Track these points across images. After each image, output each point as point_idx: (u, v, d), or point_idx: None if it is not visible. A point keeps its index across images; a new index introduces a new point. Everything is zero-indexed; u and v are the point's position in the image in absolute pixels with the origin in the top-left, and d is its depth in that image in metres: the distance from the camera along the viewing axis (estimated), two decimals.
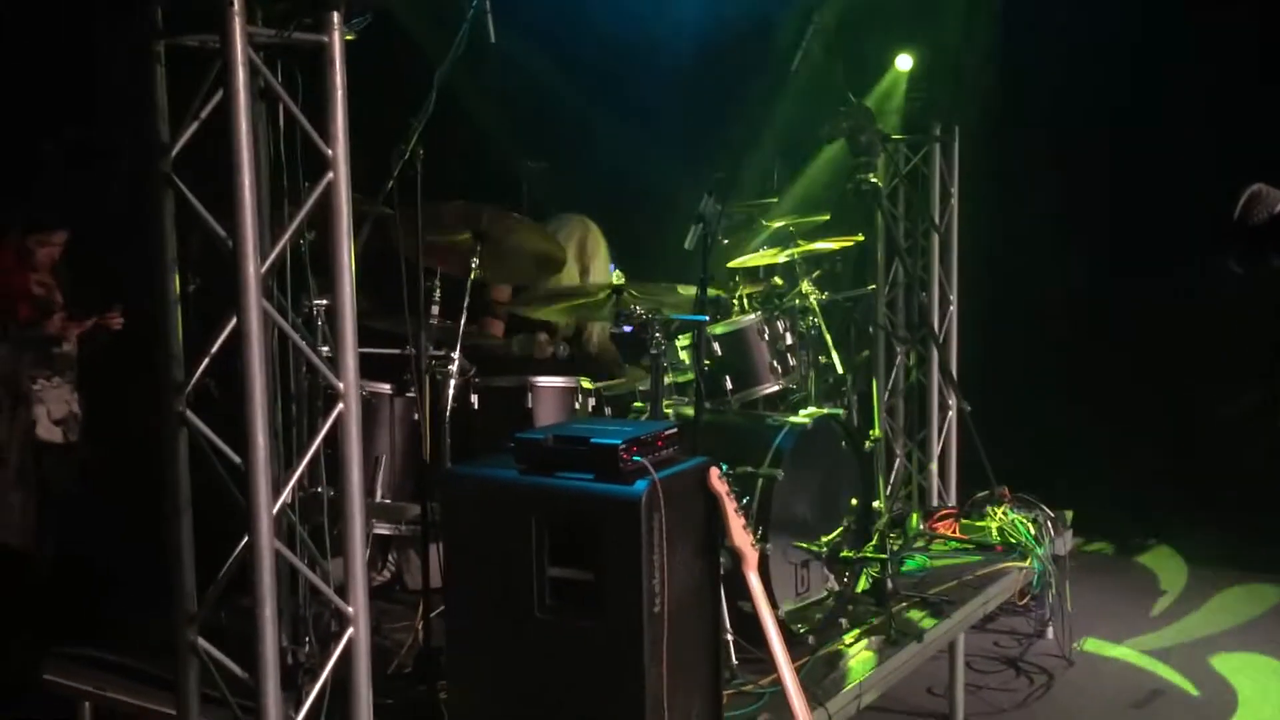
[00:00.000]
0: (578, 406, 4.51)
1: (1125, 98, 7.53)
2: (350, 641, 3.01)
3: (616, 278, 4.63)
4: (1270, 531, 7.20)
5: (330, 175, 2.95)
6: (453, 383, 4.19)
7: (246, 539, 2.85)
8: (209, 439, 2.99)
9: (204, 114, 2.92)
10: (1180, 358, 7.64)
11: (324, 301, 3.86)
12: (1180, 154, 7.18)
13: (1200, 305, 6.94)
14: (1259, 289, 7.33)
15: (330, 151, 2.95)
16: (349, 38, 2.99)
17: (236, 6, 2.74)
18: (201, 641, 3.07)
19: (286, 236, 2.98)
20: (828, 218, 5.80)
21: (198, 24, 2.98)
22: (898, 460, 7.08)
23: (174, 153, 2.97)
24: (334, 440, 3.03)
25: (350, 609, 3.02)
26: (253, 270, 2.81)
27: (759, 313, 5.01)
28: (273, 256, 2.93)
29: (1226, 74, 7.04)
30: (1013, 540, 5.39)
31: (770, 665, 3.47)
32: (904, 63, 6.84)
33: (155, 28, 3.00)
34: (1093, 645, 5.80)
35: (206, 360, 2.99)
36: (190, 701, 3.16)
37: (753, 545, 3.51)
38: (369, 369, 3.95)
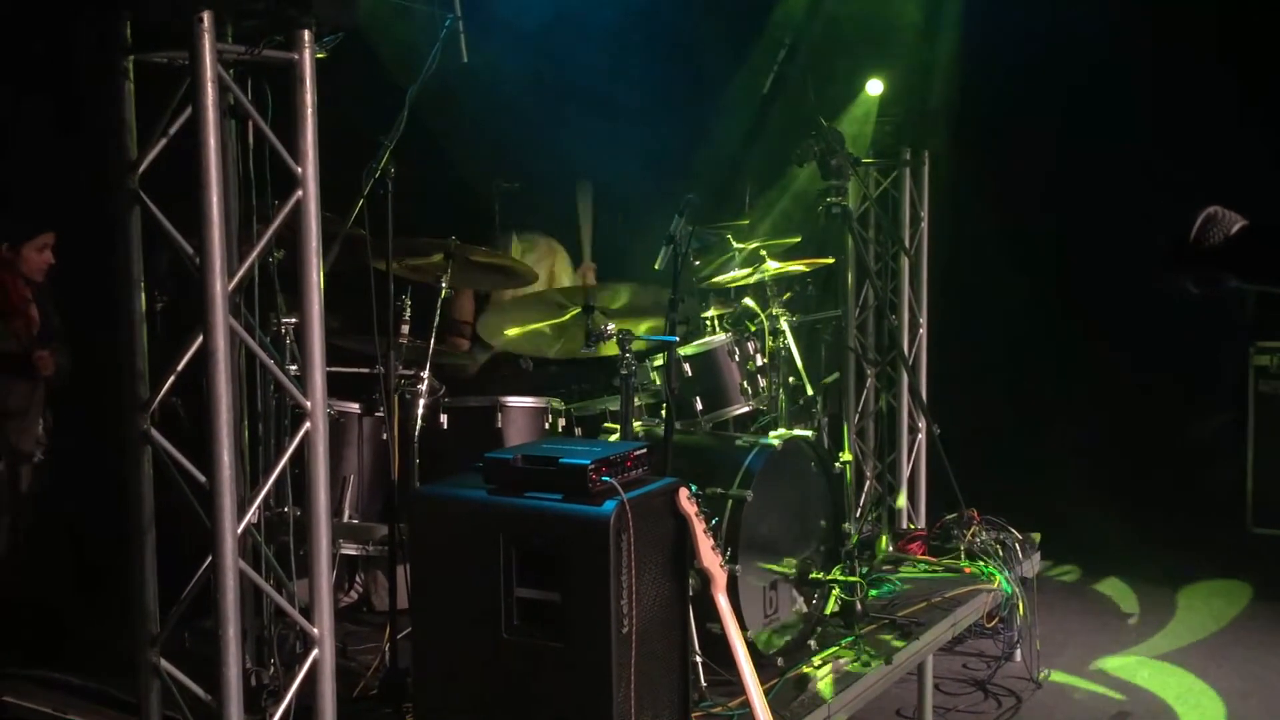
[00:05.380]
0: (547, 426, 4.50)
1: (1093, 122, 7.61)
2: (315, 663, 2.99)
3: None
4: (1236, 552, 7.27)
5: (299, 193, 2.95)
6: (422, 402, 4.18)
7: (210, 559, 2.82)
8: (173, 457, 2.96)
9: (172, 131, 2.91)
10: (1151, 381, 7.70)
11: (292, 320, 3.84)
12: (1149, 176, 7.25)
13: (1171, 328, 7.00)
14: (1228, 313, 7.45)
15: (300, 169, 2.94)
16: (320, 56, 2.99)
17: (206, 23, 2.73)
18: (164, 663, 3.05)
19: (255, 254, 2.97)
20: (799, 240, 5.83)
21: (167, 40, 2.98)
22: (867, 482, 7.09)
23: (141, 169, 2.96)
24: (301, 459, 3.02)
25: (315, 630, 2.99)
26: (220, 288, 2.79)
27: (730, 334, 5.02)
28: (240, 274, 2.91)
29: (1190, 98, 7.12)
30: (981, 562, 5.41)
31: (739, 687, 3.47)
32: (874, 87, 6.88)
33: (124, 44, 3.00)
34: (1060, 668, 5.82)
35: (172, 378, 2.97)
36: None
37: (721, 566, 3.50)
38: (338, 388, 3.93)
